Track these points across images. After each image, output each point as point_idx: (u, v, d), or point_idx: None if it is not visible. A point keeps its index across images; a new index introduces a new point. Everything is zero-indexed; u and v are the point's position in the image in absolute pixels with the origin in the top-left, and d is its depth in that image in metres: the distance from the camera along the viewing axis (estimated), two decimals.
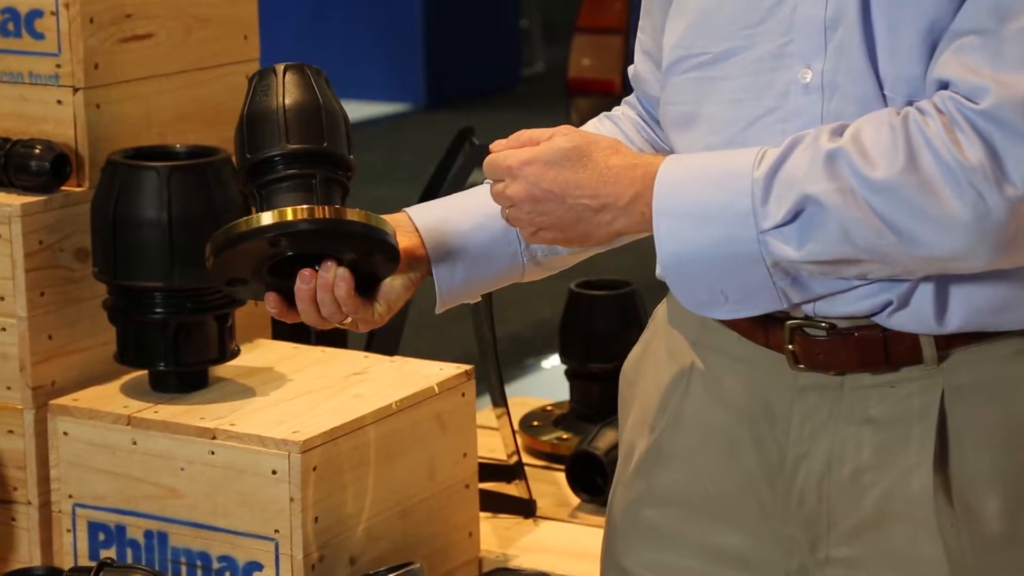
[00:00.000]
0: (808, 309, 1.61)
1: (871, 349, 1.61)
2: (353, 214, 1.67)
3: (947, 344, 1.60)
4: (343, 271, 1.67)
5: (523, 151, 1.61)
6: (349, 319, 1.70)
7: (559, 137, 1.61)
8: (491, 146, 1.64)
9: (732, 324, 1.67)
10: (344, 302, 1.67)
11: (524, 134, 1.63)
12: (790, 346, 1.63)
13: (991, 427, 1.60)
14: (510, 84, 9.55)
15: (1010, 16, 1.48)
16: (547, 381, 4.93)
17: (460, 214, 1.76)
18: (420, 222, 1.76)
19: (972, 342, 1.60)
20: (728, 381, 1.69)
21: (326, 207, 1.67)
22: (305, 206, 1.66)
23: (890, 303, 1.59)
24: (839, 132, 1.53)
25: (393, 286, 1.72)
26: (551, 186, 1.59)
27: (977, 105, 1.48)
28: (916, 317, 1.59)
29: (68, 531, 2.35)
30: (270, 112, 1.73)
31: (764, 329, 1.64)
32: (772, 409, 1.66)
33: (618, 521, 1.79)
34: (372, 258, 1.69)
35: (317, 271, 1.68)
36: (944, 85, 1.52)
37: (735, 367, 1.68)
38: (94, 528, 2.33)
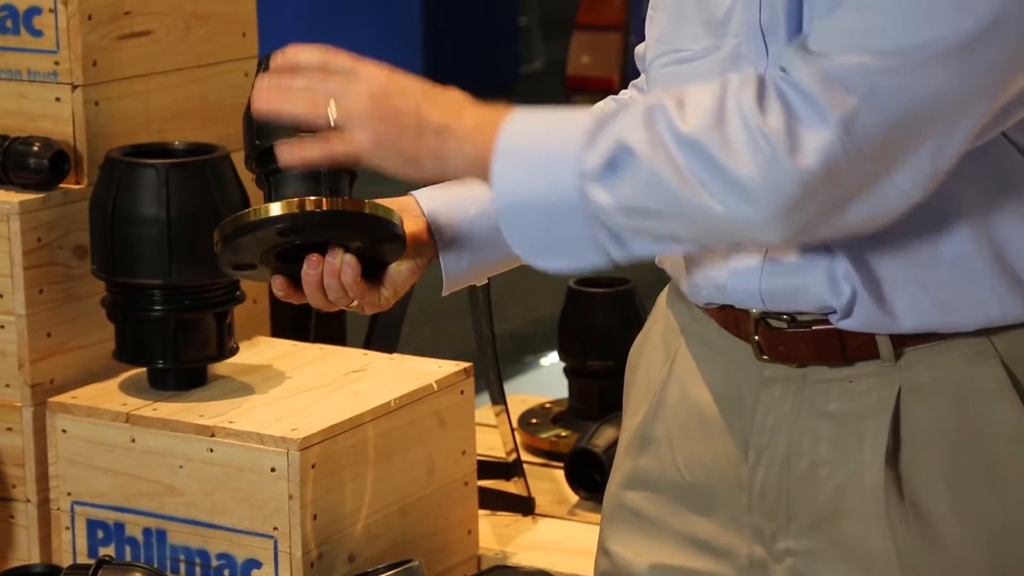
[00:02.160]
0: (759, 304, 1.62)
1: (828, 343, 1.61)
2: (360, 204, 1.68)
3: (903, 342, 1.60)
4: (350, 258, 1.68)
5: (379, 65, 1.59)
6: (355, 303, 1.71)
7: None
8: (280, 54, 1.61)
9: (711, 314, 1.68)
10: (351, 287, 1.69)
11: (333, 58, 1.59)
12: (756, 337, 1.64)
13: (945, 428, 1.60)
14: (509, 81, 9.54)
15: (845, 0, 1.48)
16: (546, 378, 4.92)
17: (466, 199, 1.76)
18: (427, 207, 1.77)
19: (930, 340, 1.60)
20: (706, 369, 1.70)
21: (334, 199, 1.68)
22: (313, 197, 1.67)
23: (834, 311, 1.59)
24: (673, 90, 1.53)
25: (399, 271, 1.73)
26: (398, 91, 1.56)
27: (787, 74, 1.48)
28: (865, 321, 1.59)
29: (67, 529, 2.34)
30: None
31: (735, 320, 1.65)
32: (742, 399, 1.67)
33: (607, 505, 1.80)
34: (379, 245, 1.70)
35: (324, 257, 1.69)
36: None
37: (713, 356, 1.70)
38: (93, 526, 2.33)
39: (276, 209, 1.66)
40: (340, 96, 1.58)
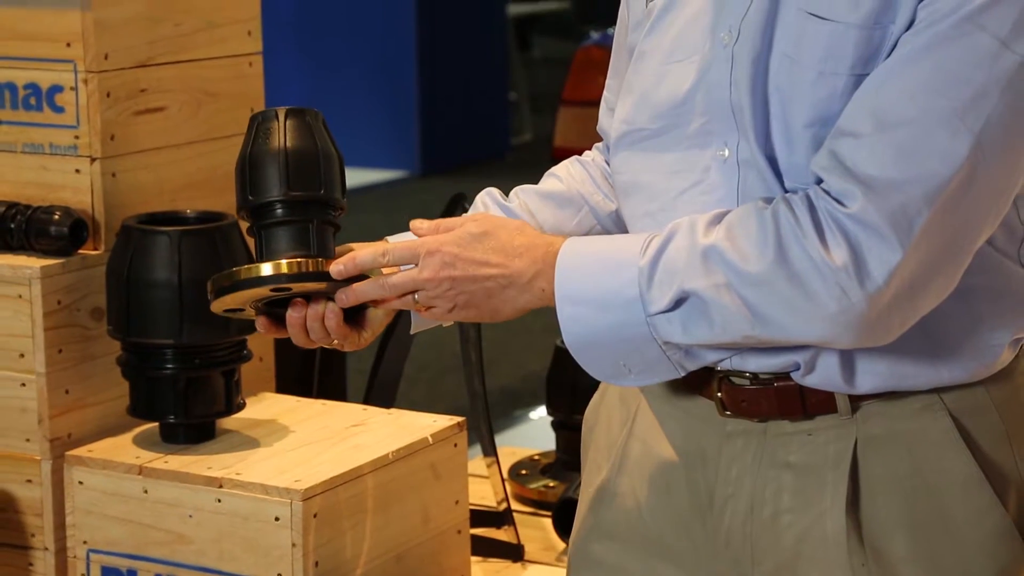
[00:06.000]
0: (726, 363, 1.65)
1: (789, 399, 1.64)
2: None
3: (860, 397, 1.63)
4: (333, 305, 1.70)
5: (435, 237, 1.65)
6: (336, 341, 1.73)
7: (469, 223, 1.65)
8: (412, 224, 1.69)
9: None
10: (334, 331, 1.71)
11: (444, 222, 1.68)
12: (719, 394, 1.66)
13: (899, 476, 1.62)
14: (500, 152, 9.57)
15: (885, 123, 1.50)
16: (535, 432, 4.91)
17: None
18: None
19: (884, 397, 1.63)
20: (668, 425, 1.72)
21: (318, 260, 1.70)
22: (299, 259, 1.69)
23: (798, 367, 1.62)
24: (715, 223, 1.57)
25: (376, 313, 1.75)
26: (463, 267, 1.63)
27: (845, 208, 1.51)
28: (826, 380, 1.62)
29: (83, 575, 2.34)
30: (271, 156, 1.75)
31: (699, 380, 1.68)
32: (704, 453, 1.68)
33: (572, 557, 1.81)
34: None
35: (308, 303, 1.71)
36: (820, 180, 1.55)
37: (674, 413, 1.71)
38: (107, 573, 2.32)
39: (267, 269, 1.69)
40: (415, 286, 1.65)
